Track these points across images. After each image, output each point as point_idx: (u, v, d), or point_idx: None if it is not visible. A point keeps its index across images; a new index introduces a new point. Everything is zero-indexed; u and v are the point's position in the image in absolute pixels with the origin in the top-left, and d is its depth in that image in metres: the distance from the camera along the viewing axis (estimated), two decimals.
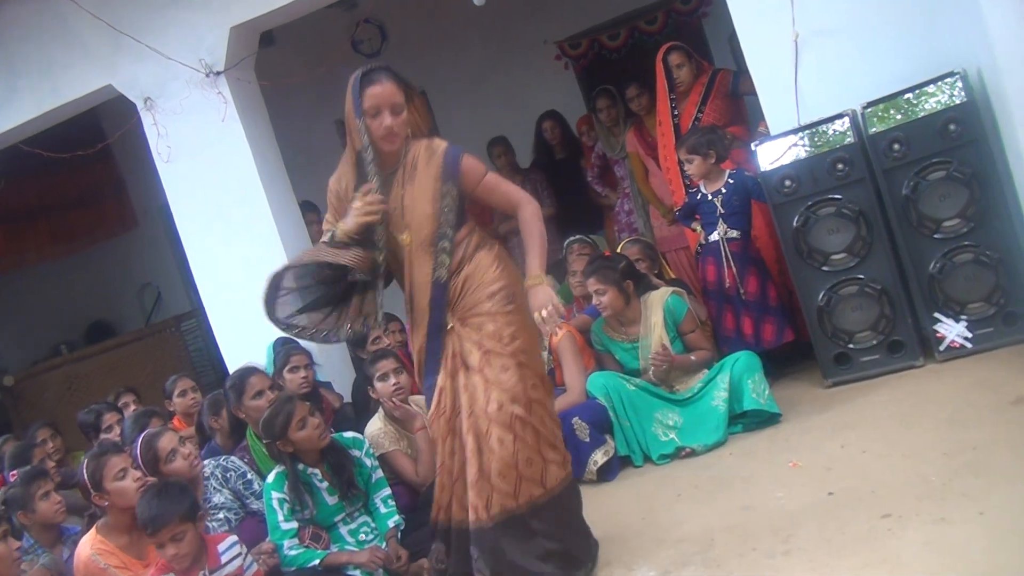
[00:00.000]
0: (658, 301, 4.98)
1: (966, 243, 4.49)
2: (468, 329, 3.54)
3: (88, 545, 3.86)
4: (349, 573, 3.99)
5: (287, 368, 5.12)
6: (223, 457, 4.56)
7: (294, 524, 4.04)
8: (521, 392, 3.47)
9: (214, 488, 4.40)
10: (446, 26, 8.33)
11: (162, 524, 3.50)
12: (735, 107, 5.92)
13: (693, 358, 4.93)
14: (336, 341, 3.82)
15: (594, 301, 4.98)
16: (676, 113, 5.87)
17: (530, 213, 3.62)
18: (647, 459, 4.68)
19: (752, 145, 4.99)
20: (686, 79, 5.79)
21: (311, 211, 6.79)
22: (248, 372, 4.86)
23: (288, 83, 6.76)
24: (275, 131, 6.55)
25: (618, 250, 5.62)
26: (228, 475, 4.47)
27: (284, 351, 5.25)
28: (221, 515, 4.32)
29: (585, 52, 8.39)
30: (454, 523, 3.59)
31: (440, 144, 3.63)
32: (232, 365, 6.01)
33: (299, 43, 8.17)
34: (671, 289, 5.08)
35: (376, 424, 4.67)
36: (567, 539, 3.53)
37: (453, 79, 8.77)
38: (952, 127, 4.42)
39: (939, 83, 4.49)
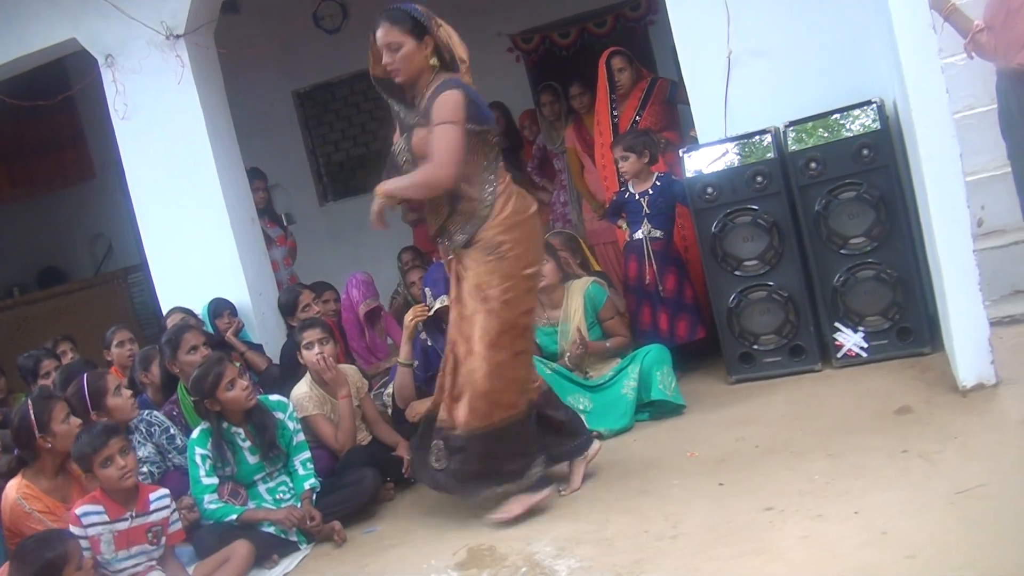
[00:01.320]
0: (579, 289, 5.01)
1: (869, 260, 4.57)
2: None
3: (14, 489, 3.82)
4: (264, 529, 3.99)
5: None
6: (147, 412, 4.51)
7: (214, 480, 4.03)
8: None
9: (139, 442, 4.35)
10: None
11: (113, 433, 3.59)
12: (671, 114, 5.96)
13: (608, 344, 4.98)
14: None
15: None
16: (615, 114, 5.89)
17: (423, 170, 3.70)
18: None
19: (680, 151, 5.03)
20: (625, 83, 5.82)
21: (257, 178, 6.73)
22: (183, 328, 4.82)
23: (246, 53, 6.65)
24: (230, 98, 6.45)
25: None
26: (152, 430, 4.43)
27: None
28: (144, 468, 4.27)
29: (536, 47, 8.39)
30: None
31: (442, 77, 3.73)
32: (171, 322, 5.93)
33: (262, 13, 8.07)
34: (592, 278, 5.11)
35: (303, 388, 4.65)
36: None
37: None
38: (865, 152, 4.49)
39: (857, 110, 4.56)
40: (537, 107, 7.32)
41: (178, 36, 5.97)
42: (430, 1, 6.16)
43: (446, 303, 4.78)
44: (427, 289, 4.90)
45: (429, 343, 4.89)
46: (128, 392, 4.28)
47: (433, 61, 3.73)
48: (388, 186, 3.71)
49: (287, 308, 5.62)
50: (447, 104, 3.60)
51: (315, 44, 8.82)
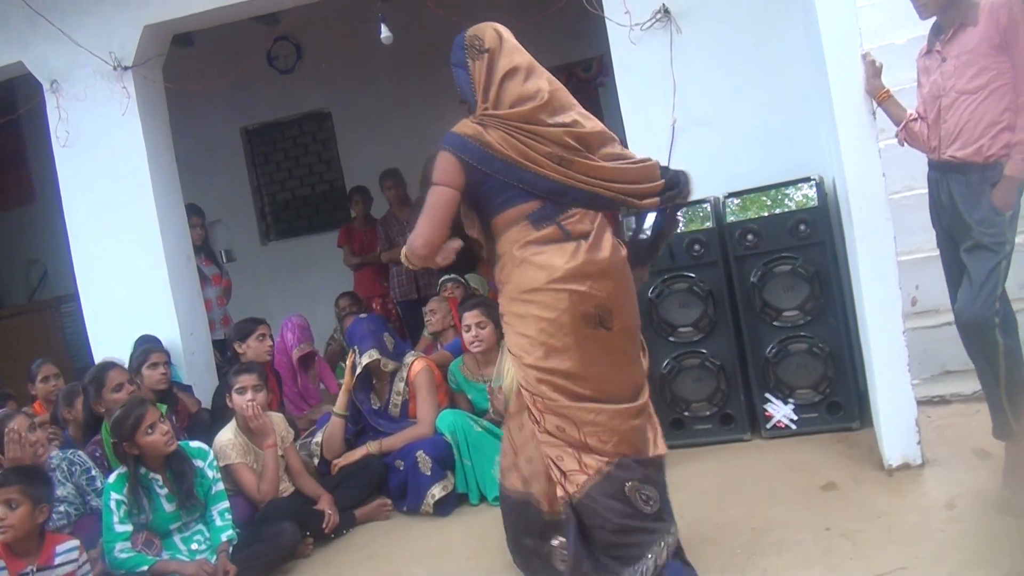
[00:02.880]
0: None
1: (802, 334, 4.57)
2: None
3: None
4: None
5: (146, 364, 4.95)
6: (70, 451, 4.33)
7: (128, 527, 3.85)
8: None
9: (59, 481, 4.15)
10: (359, 54, 8.22)
11: (2, 483, 3.42)
12: None
13: None
14: None
15: (471, 334, 4.79)
16: None
17: None
18: (483, 499, 4.57)
19: (619, 216, 5.00)
20: None
21: (195, 214, 6.60)
22: (107, 366, 4.68)
23: (194, 88, 6.55)
24: (178, 130, 6.35)
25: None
26: (73, 468, 4.24)
27: (144, 349, 5.06)
28: (62, 508, 4.09)
29: None
30: None
31: None
32: (99, 353, 5.78)
33: (217, 49, 7.96)
34: None
35: (227, 435, 4.50)
36: None
37: (359, 105, 8.66)
38: (803, 227, 4.51)
39: (796, 186, 4.59)
40: None
41: (126, 68, 5.86)
42: (387, 47, 6.18)
43: (374, 357, 4.70)
44: (355, 347, 4.77)
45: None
46: (33, 436, 4.06)
47: None
48: None
49: (241, 333, 5.46)
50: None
51: (267, 83, 8.76)
